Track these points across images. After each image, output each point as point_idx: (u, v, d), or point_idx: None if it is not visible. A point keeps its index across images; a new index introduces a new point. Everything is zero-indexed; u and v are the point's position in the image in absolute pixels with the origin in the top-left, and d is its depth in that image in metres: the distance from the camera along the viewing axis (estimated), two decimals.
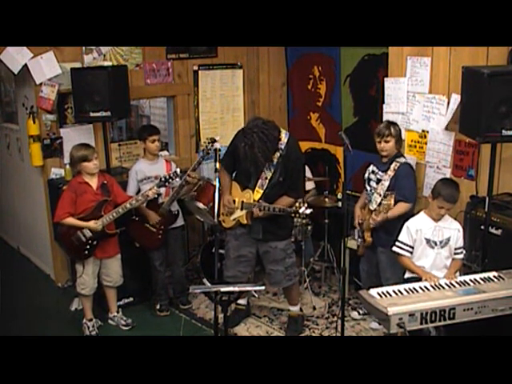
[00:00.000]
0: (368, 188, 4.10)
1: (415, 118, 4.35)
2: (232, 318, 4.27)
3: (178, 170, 4.12)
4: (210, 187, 4.63)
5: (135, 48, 4.99)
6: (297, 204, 3.79)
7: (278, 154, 3.82)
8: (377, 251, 4.06)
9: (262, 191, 3.89)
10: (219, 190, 3.87)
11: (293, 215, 3.79)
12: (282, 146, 3.82)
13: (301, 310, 4.36)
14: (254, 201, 3.90)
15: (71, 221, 3.96)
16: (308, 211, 3.68)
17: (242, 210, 3.98)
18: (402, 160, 3.96)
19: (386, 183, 3.93)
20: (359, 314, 4.43)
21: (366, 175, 4.12)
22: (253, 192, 3.93)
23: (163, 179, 4.06)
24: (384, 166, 3.99)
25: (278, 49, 5.86)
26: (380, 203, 3.92)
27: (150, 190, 4.04)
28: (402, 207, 3.86)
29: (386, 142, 3.94)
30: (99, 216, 4.00)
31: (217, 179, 3.91)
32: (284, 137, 3.85)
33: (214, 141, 4.11)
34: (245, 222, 3.99)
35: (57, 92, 4.58)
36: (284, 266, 4.05)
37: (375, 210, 3.94)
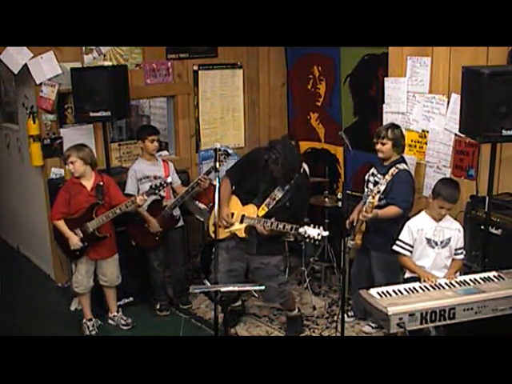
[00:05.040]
0: (366, 190, 4.09)
1: (415, 117, 4.35)
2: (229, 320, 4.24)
3: (169, 180, 4.11)
4: (211, 187, 4.62)
5: (135, 48, 4.99)
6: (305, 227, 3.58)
7: (291, 182, 3.82)
8: (370, 255, 4.05)
9: (266, 209, 3.84)
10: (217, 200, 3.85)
11: (300, 238, 3.60)
12: (297, 175, 3.84)
13: (299, 310, 4.34)
14: (258, 216, 3.83)
15: (60, 226, 4.04)
16: (325, 233, 3.54)
17: (241, 223, 3.89)
18: (401, 166, 3.92)
19: (382, 187, 3.89)
20: (348, 316, 4.34)
21: (366, 177, 4.11)
22: (258, 208, 3.86)
23: (154, 186, 3.99)
24: (383, 170, 3.97)
25: (278, 49, 5.86)
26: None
27: (139, 196, 3.98)
28: (391, 210, 3.81)
29: (383, 144, 3.91)
30: (90, 218, 4.02)
31: (217, 179, 3.89)
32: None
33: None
34: (243, 235, 3.90)
35: (57, 92, 4.59)
36: (277, 282, 3.98)
37: (365, 207, 3.85)
